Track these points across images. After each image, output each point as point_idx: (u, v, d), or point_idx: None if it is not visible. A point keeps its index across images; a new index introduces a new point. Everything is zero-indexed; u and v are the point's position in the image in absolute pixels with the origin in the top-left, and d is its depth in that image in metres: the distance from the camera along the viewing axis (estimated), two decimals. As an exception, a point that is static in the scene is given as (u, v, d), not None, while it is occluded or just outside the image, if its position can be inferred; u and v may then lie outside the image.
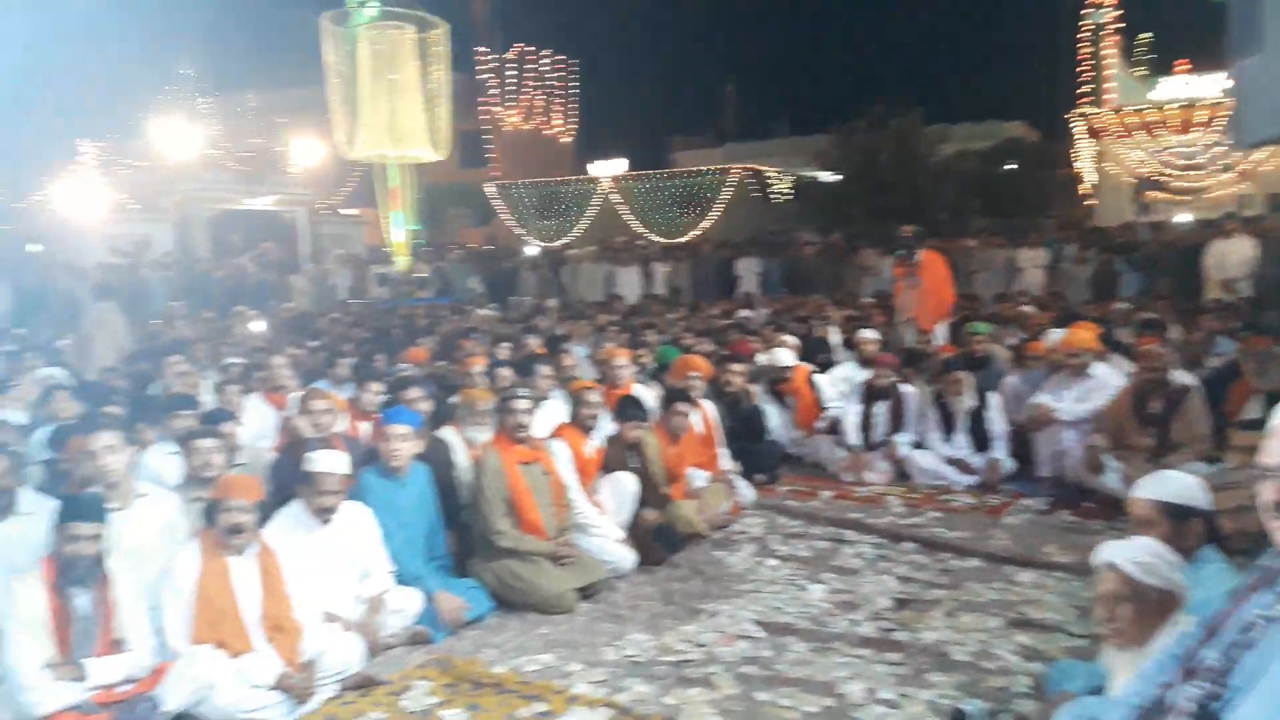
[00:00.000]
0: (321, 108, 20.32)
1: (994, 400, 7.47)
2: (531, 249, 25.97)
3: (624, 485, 5.97)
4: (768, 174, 31.52)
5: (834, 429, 7.98)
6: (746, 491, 7.02)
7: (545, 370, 7.32)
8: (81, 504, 3.95)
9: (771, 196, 31.39)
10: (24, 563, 4.00)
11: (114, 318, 10.74)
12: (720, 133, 41.29)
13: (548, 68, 41.12)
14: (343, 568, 4.69)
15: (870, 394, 7.81)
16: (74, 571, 3.81)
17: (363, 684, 4.26)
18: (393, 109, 19.57)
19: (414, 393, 6.44)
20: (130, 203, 20.82)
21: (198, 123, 23.06)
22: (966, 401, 7.44)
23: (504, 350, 9.00)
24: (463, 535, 5.48)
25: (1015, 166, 28.17)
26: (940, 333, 10.16)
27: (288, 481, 5.07)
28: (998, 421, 7.39)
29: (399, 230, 21.02)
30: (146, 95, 23.42)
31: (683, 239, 28.13)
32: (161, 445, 5.72)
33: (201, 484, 4.89)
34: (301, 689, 4.02)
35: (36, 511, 4.44)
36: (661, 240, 27.96)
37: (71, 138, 21.84)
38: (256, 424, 6.82)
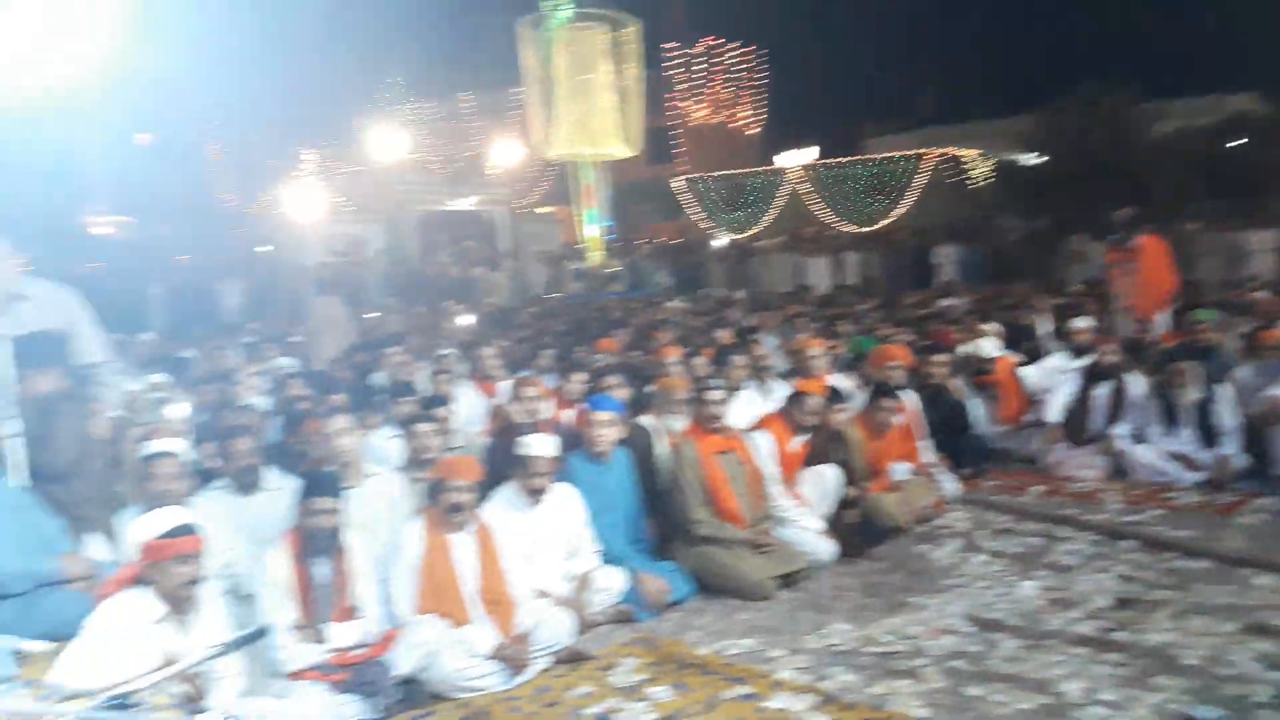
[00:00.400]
0: (519, 111, 21.11)
1: (1223, 392, 6.94)
2: (719, 242, 26.05)
3: (826, 478, 5.93)
4: (965, 158, 30.34)
5: (1042, 422, 7.63)
6: (950, 486, 6.82)
7: (739, 361, 7.35)
8: (321, 481, 4.30)
9: (968, 181, 30.19)
10: (269, 535, 4.40)
11: (336, 312, 11.53)
12: (915, 117, 40.08)
13: (735, 59, 41.11)
14: (552, 546, 4.89)
15: (1092, 376, 7.40)
16: (315, 543, 4.15)
17: (573, 658, 4.43)
18: (587, 108, 20.10)
19: (613, 381, 6.61)
20: (345, 205, 22.30)
21: (406, 128, 24.42)
22: (1191, 393, 6.95)
23: (697, 340, 9.09)
24: (663, 519, 5.60)
25: (1243, 143, 25.92)
26: (1161, 321, 9.52)
27: (500, 464, 5.32)
28: (1228, 415, 6.86)
29: (592, 227, 21.56)
30: (362, 103, 25.01)
31: (874, 227, 27.48)
32: (385, 429, 6.12)
33: (421, 465, 5.22)
34: (517, 660, 4.23)
35: (280, 488, 4.87)
36: (853, 229, 27.42)
37: (295, 146, 23.60)
38: (468, 410, 7.17)
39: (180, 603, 3.46)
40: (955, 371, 8.00)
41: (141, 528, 3.48)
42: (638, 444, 5.76)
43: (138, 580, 3.44)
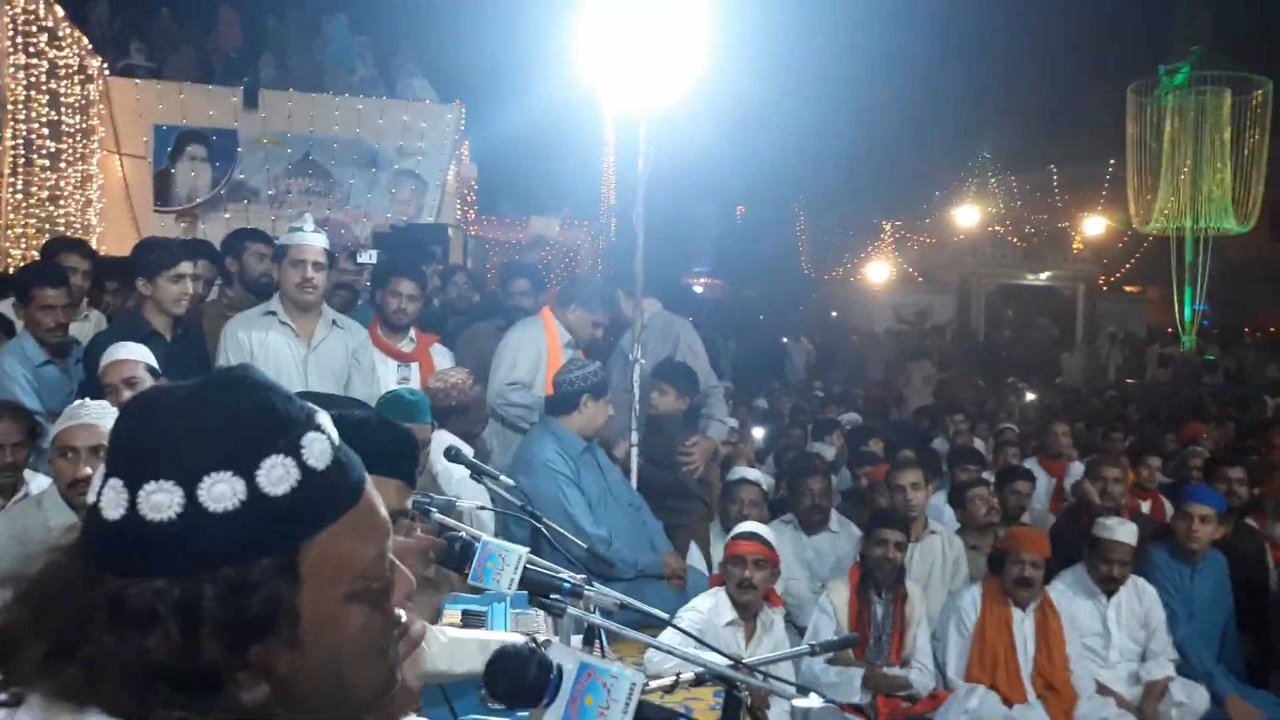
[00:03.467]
0: (1113, 183, 19.77)
1: None
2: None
3: None
4: None
5: None
6: None
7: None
8: (890, 517, 4.41)
9: None
10: (825, 572, 4.62)
11: (920, 376, 11.93)
12: None
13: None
14: (1122, 642, 4.46)
15: None
16: (877, 577, 4.25)
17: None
18: (1197, 178, 18.19)
19: (1235, 472, 5.78)
20: (916, 276, 22.62)
21: (986, 200, 24.18)
22: None
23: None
24: (1262, 640, 4.81)
25: None
26: None
27: (1066, 545, 4.99)
28: None
29: (1187, 309, 19.36)
30: (946, 176, 25.32)
31: None
32: (941, 491, 6.08)
33: (978, 531, 5.11)
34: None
35: (839, 530, 5.10)
36: None
37: (875, 217, 24.59)
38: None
39: (745, 609, 3.76)
40: None
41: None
42: (1242, 549, 5.03)
43: (720, 584, 3.83)
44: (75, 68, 9.55)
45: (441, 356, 4.69)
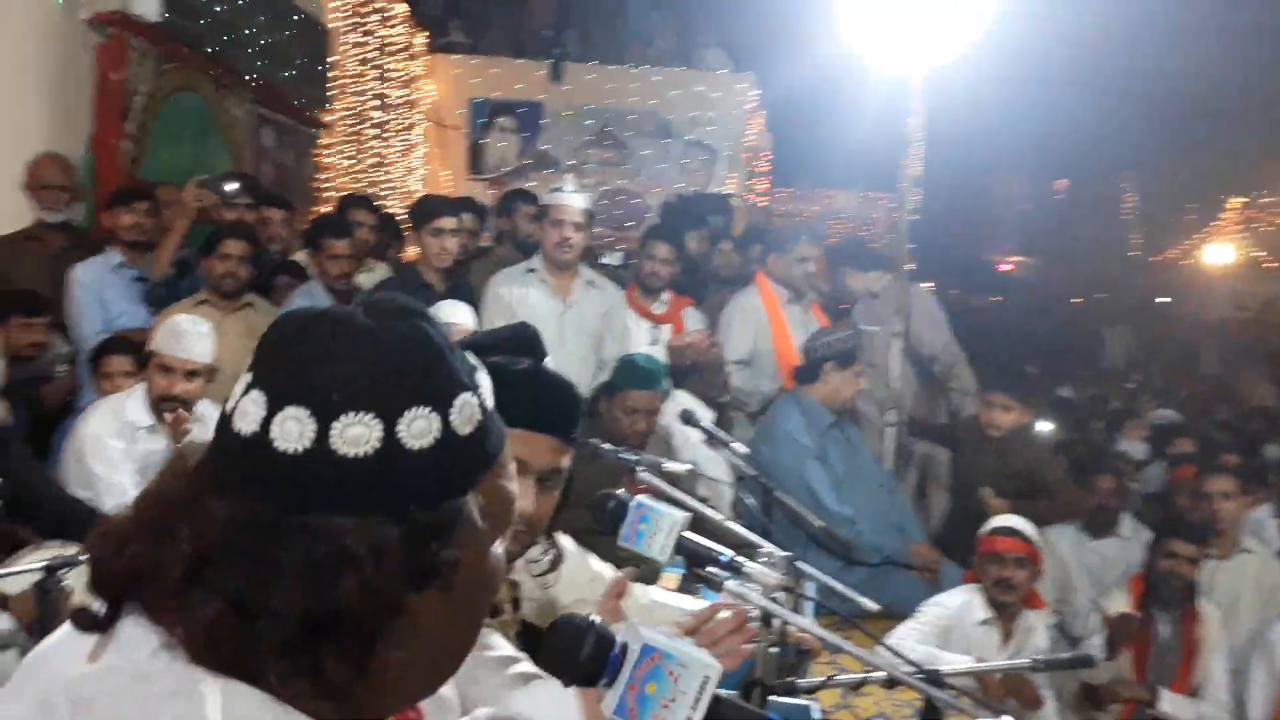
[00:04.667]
0: None
1: None
2: None
3: None
4: None
5: None
6: None
7: None
8: (1185, 526, 3.86)
9: None
10: (1111, 580, 4.10)
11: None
12: None
13: None
14: None
15: None
16: (1162, 593, 3.73)
17: None
18: None
19: None
20: (1264, 260, 19.91)
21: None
22: None
23: None
24: None
25: None
26: None
27: None
28: None
29: None
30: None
31: None
32: (1267, 508, 5.26)
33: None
34: None
35: (1131, 537, 4.53)
36: None
37: (1221, 193, 21.88)
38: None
39: (1002, 609, 3.42)
40: None
41: (989, 523, 3.55)
42: None
43: (974, 581, 3.50)
44: (401, 45, 10.38)
45: (694, 320, 4.62)
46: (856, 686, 1.86)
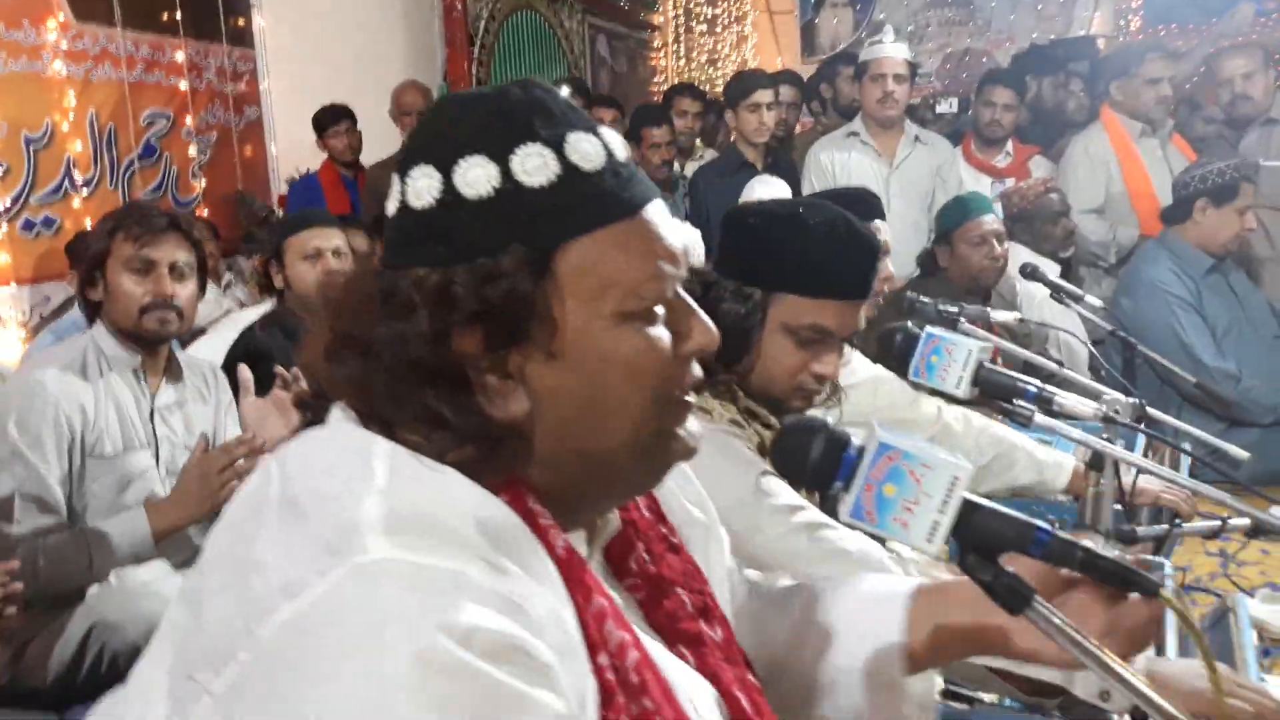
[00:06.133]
0: None
1: None
2: None
3: None
4: None
5: None
6: None
7: None
8: None
9: None
10: None
11: None
12: None
13: None
14: None
15: None
16: None
17: None
18: None
19: None
20: None
21: None
22: None
23: None
24: None
25: None
26: None
27: None
28: None
29: None
30: None
31: None
32: None
33: None
34: None
35: None
36: None
37: None
38: None
39: None
40: None
41: None
42: None
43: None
44: (724, -68, 10.22)
45: (1042, 170, 4.19)
46: (1213, 535, 1.61)
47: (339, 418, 0.79)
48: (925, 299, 2.35)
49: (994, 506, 0.85)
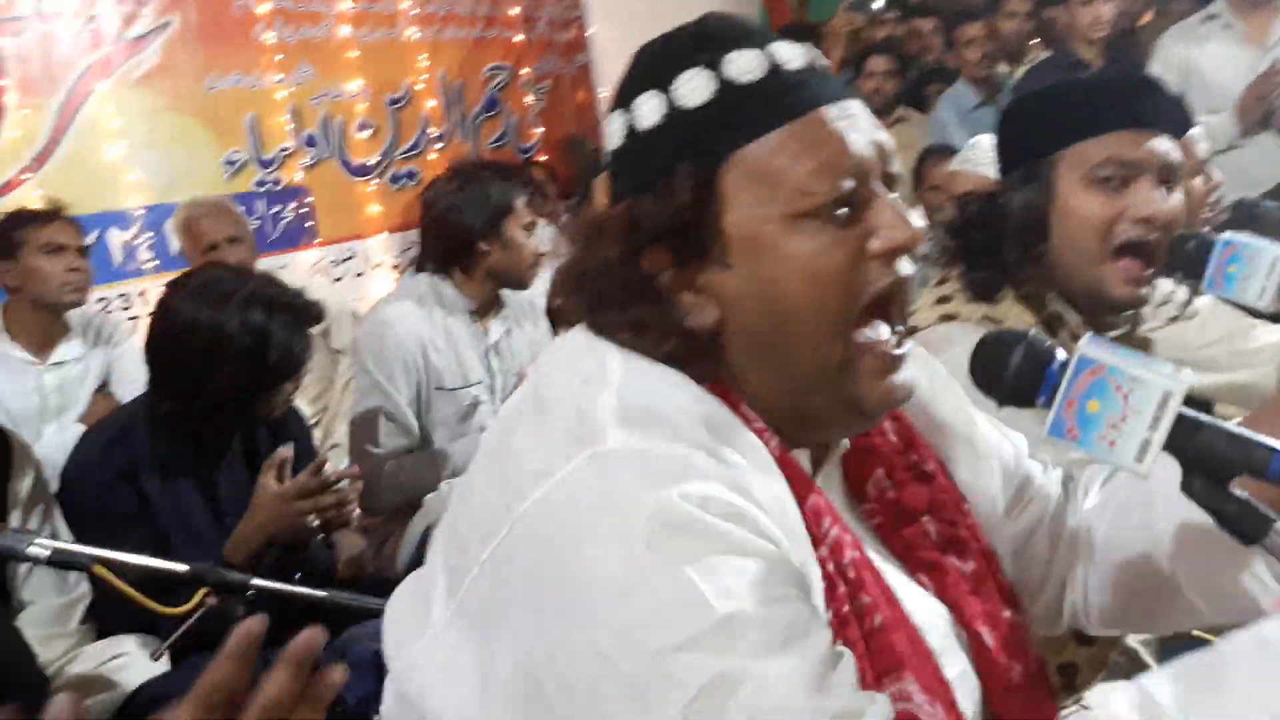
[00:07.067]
0: None
1: None
2: None
3: None
4: None
5: None
6: None
7: None
8: None
9: None
10: None
11: None
12: None
13: None
14: None
15: None
16: None
17: None
18: None
19: None
20: None
21: None
22: None
23: None
24: None
25: None
26: None
27: None
28: None
29: None
30: None
31: None
32: None
33: None
34: None
35: None
36: None
37: None
38: None
39: None
40: None
41: None
42: None
43: None
44: None
45: None
46: None
47: (580, 331, 0.88)
48: (1271, 202, 2.05)
49: (1221, 424, 0.76)
